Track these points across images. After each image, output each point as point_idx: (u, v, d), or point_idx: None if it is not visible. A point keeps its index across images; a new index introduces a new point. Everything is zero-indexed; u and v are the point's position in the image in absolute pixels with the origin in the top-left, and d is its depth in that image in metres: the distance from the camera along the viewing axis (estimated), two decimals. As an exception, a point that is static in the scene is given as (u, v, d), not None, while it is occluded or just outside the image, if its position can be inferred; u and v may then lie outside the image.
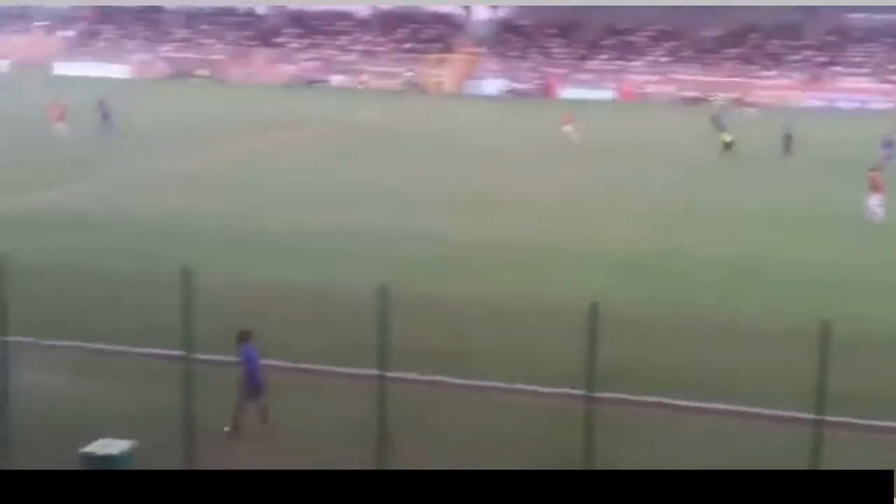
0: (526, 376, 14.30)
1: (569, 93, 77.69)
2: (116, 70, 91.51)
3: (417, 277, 19.57)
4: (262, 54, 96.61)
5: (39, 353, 13.45)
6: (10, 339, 10.72)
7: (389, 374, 10.42)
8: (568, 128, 47.29)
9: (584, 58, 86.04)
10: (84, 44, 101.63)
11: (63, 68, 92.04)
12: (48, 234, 22.59)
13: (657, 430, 12.85)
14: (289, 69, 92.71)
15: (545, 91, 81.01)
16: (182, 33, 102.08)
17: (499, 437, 12.37)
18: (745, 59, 78.30)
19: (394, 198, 29.45)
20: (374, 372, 10.45)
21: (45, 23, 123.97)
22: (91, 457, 10.34)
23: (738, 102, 61.05)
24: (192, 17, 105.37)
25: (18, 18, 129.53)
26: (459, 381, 14.11)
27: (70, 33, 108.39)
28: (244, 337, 11.93)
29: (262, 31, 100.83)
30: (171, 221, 24.80)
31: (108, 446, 10.56)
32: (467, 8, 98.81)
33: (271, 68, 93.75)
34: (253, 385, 11.84)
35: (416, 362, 13.88)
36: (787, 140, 38.54)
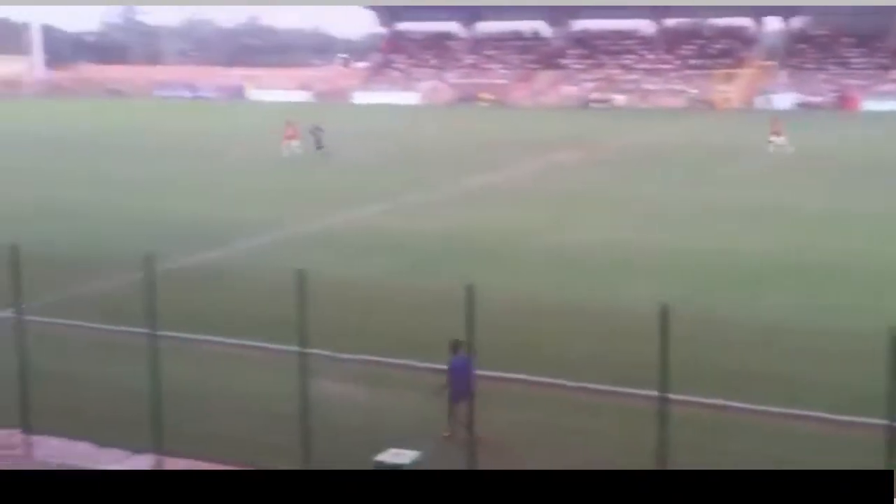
0: (814, 401, 13.40)
1: (870, 105, 72.96)
2: (407, 97, 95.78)
3: (705, 295, 19.01)
4: (545, 76, 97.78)
5: (334, 365, 14.15)
6: (311, 351, 11.33)
7: (671, 397, 10.09)
8: (777, 139, 45.06)
9: (887, 68, 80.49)
10: (379, 73, 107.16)
11: (361, 97, 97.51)
12: (348, 252, 23.86)
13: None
14: (571, 90, 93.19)
15: (842, 103, 76.48)
16: (469, 59, 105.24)
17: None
18: None
19: (676, 214, 28.81)
20: (654, 393, 10.14)
21: (344, 56, 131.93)
22: (383, 465, 10.74)
23: None
24: (478, 43, 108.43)
25: (321, 52, 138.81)
26: (742, 405, 13.42)
27: (366, 64, 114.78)
28: (456, 346, 12.21)
29: (545, 54, 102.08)
30: (459, 238, 25.53)
31: (399, 456, 10.96)
32: (758, 20, 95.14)
33: (554, 90, 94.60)
34: (456, 392, 12.12)
35: (698, 383, 13.37)
36: None
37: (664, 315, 9.74)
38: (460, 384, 11.97)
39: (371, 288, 19.66)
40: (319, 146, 46.53)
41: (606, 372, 14.62)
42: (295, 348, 11.24)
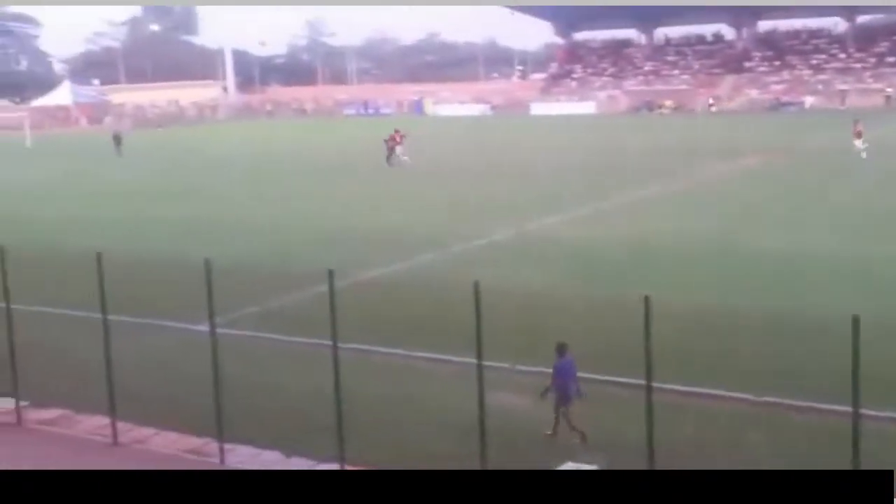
0: None
1: None
2: (585, 107, 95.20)
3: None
4: (729, 81, 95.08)
5: (509, 376, 14.16)
6: (489, 363, 11.40)
7: (863, 412, 9.57)
8: (858, 142, 43.99)
9: None
10: (556, 84, 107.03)
11: (539, 109, 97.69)
12: (526, 262, 23.89)
13: None
14: (758, 94, 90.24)
15: None
16: (648, 66, 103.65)
17: None
18: None
19: (869, 220, 27.42)
20: (847, 409, 9.64)
21: (521, 67, 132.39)
22: (562, 477, 10.73)
23: None
24: (658, 49, 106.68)
25: (498, 65, 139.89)
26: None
27: (543, 75, 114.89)
28: (561, 349, 12.71)
29: (729, 57, 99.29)
30: (638, 247, 25.15)
31: (576, 469, 10.92)
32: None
33: (739, 94, 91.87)
34: (562, 394, 12.63)
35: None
36: None
37: (856, 326, 9.27)
38: (566, 386, 12.52)
39: (547, 298, 19.57)
40: (390, 158, 49.67)
41: (796, 385, 14.01)
42: (472, 360, 11.32)
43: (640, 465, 10.31)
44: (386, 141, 50.86)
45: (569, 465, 11.07)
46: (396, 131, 51.28)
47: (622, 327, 12.55)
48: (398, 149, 50.13)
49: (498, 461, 11.06)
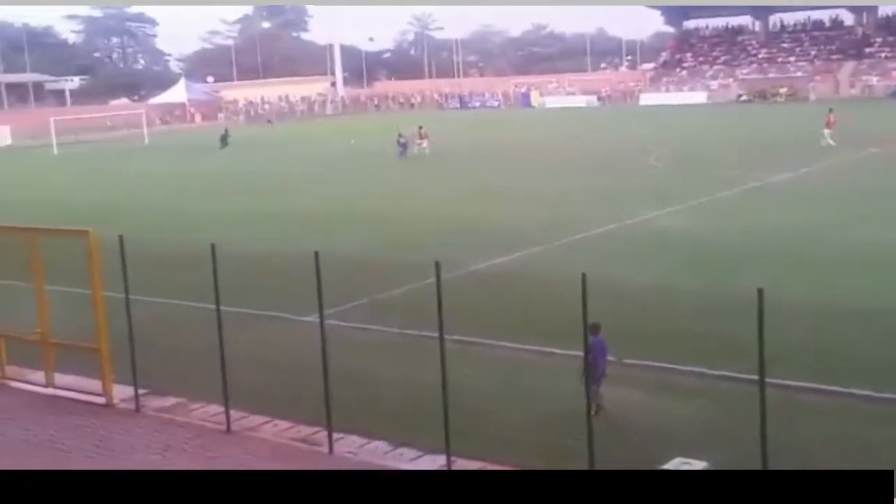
0: None
1: None
2: (696, 96, 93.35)
3: None
4: (848, 67, 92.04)
5: (616, 370, 14.01)
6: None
7: None
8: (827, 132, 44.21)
9: None
10: (667, 74, 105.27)
11: (648, 99, 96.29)
12: (637, 253, 23.59)
13: None
14: (879, 80, 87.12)
15: None
16: (762, 53, 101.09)
17: None
18: None
19: None
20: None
21: (629, 58, 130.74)
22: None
23: None
24: (772, 36, 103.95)
25: (606, 56, 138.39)
26: None
27: (653, 65, 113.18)
28: (595, 330, 12.63)
29: (848, 43, 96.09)
30: (752, 239, 24.60)
31: (686, 465, 10.71)
32: None
33: (859, 80, 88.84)
34: (593, 372, 12.58)
35: None
36: None
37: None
38: (597, 364, 12.74)
39: (660, 290, 19.27)
40: (403, 152, 52.70)
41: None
42: (579, 353, 11.22)
43: (755, 464, 10.05)
44: (399, 137, 54.09)
45: (677, 462, 10.87)
46: (420, 127, 55.16)
47: (734, 321, 12.27)
48: (424, 143, 53.75)
49: (605, 456, 10.94)
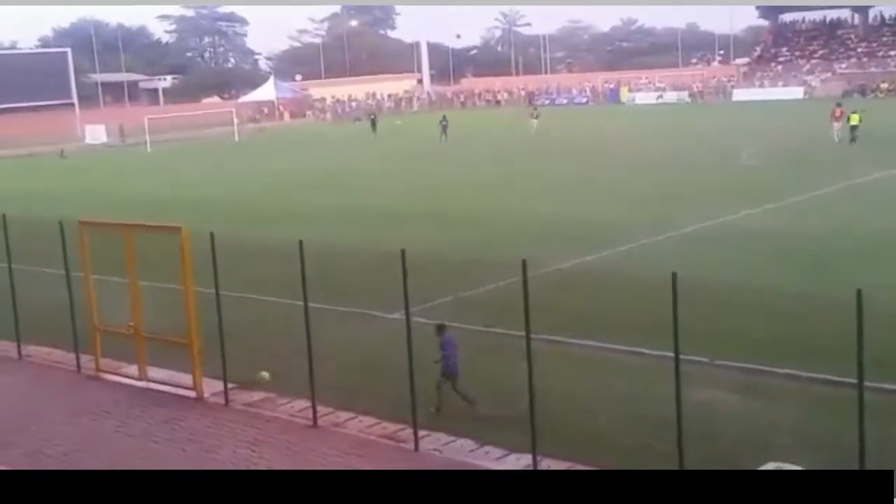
0: None
1: None
2: (792, 92, 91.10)
3: None
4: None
5: (707, 371, 13.70)
6: (687, 357, 11.07)
7: None
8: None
9: None
10: (761, 69, 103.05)
11: (741, 94, 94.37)
12: (730, 253, 23.10)
13: None
14: None
15: None
16: (861, 47, 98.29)
17: None
18: None
19: None
20: None
21: (722, 52, 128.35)
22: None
23: None
24: (872, 31, 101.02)
25: (698, 50, 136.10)
26: None
27: (746, 60, 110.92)
28: (441, 329, 13.76)
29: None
30: (848, 238, 23.98)
31: (779, 468, 10.46)
32: None
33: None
34: (447, 369, 13.55)
35: None
36: None
37: None
38: (450, 361, 13.50)
39: (751, 291, 18.82)
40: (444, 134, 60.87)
41: None
42: (668, 353, 11.00)
43: (852, 466, 9.72)
44: (442, 120, 63.12)
45: (771, 466, 10.60)
46: (444, 117, 64.57)
47: (828, 322, 11.91)
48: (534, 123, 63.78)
49: (696, 458, 10.71)
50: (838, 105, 47.05)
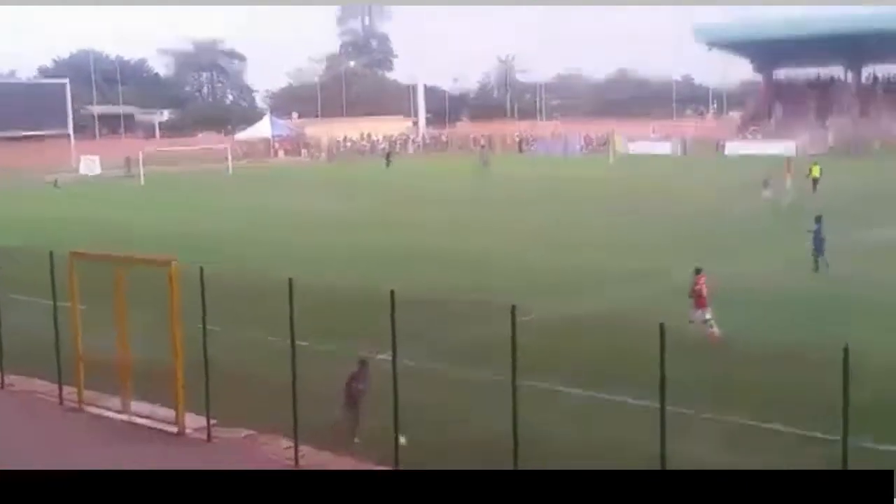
0: None
1: None
2: (784, 147, 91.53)
3: None
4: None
5: (703, 425, 13.63)
6: (671, 408, 11.02)
7: None
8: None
9: None
10: (754, 123, 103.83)
11: (734, 148, 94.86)
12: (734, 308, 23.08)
13: None
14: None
15: None
16: (854, 105, 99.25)
17: None
18: None
19: None
20: None
21: (714, 105, 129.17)
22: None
23: None
24: (864, 89, 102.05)
25: (691, 102, 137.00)
26: None
27: (740, 113, 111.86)
28: (362, 362, 14.59)
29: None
30: (843, 297, 23.99)
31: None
32: None
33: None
34: (349, 399, 14.32)
35: None
36: None
37: None
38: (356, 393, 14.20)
39: (763, 346, 18.71)
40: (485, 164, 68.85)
41: None
42: (646, 403, 10.97)
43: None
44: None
45: None
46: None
47: (828, 381, 11.84)
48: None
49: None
50: (788, 160, 47.96)
